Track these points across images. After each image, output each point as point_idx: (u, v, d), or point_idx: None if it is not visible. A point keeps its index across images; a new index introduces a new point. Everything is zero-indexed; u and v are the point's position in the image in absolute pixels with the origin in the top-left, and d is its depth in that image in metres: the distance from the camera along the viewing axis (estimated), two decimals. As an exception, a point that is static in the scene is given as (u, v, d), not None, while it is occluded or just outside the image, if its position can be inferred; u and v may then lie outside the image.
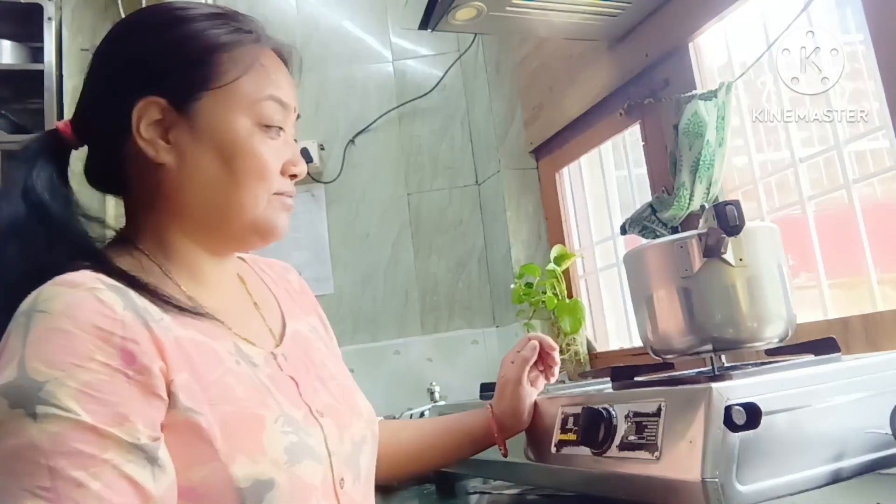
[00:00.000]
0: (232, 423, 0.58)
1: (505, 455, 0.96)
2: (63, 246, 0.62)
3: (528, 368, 0.98)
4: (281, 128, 0.71)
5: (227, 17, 0.71)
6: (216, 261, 0.72)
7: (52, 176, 0.66)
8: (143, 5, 2.19)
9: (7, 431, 0.49)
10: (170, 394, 0.56)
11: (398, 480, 1.27)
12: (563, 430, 0.90)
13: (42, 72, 2.09)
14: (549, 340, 1.02)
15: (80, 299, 0.54)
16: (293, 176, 0.73)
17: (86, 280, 0.56)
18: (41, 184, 0.64)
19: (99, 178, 0.71)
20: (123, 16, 2.31)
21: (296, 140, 0.76)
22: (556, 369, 1.02)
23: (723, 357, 0.95)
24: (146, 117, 0.66)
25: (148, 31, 0.69)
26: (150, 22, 0.70)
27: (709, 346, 0.93)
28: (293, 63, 0.75)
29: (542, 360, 1.01)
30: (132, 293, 0.58)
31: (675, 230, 1.46)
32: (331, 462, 0.65)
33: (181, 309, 0.62)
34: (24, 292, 0.56)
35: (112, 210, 1.68)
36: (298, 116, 0.75)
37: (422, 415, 1.84)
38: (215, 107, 0.67)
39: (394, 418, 1.91)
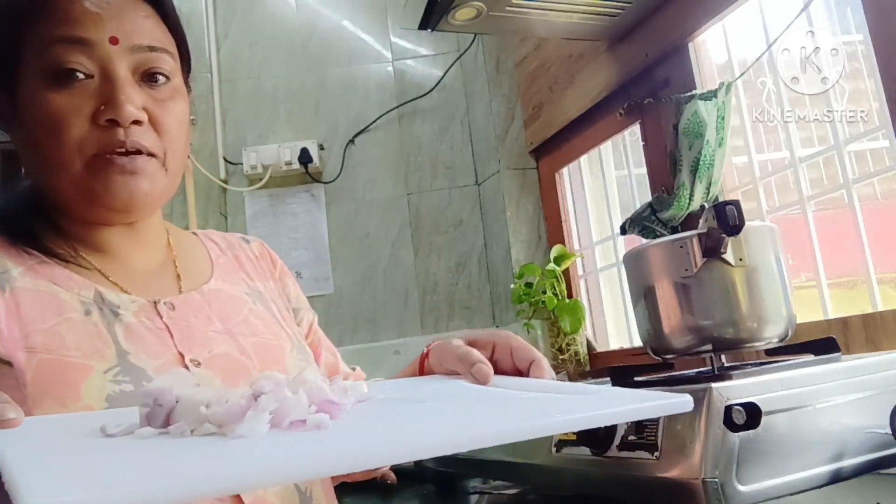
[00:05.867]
0: (46, 370, 0.56)
1: None
2: None
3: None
4: (83, 74, 0.61)
5: None
6: (114, 231, 0.69)
7: None
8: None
9: None
10: None
11: None
12: (563, 430, 0.90)
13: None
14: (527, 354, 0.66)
15: None
16: (113, 122, 0.60)
17: None
18: None
19: None
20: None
21: (161, 75, 0.64)
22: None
23: (723, 357, 0.95)
24: None
25: None
26: None
27: (709, 346, 0.93)
28: None
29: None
30: None
31: (675, 230, 1.46)
32: None
33: (47, 255, 0.63)
34: None
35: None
36: (157, 48, 0.64)
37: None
38: (24, 79, 0.62)
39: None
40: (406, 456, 0.41)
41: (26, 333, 0.58)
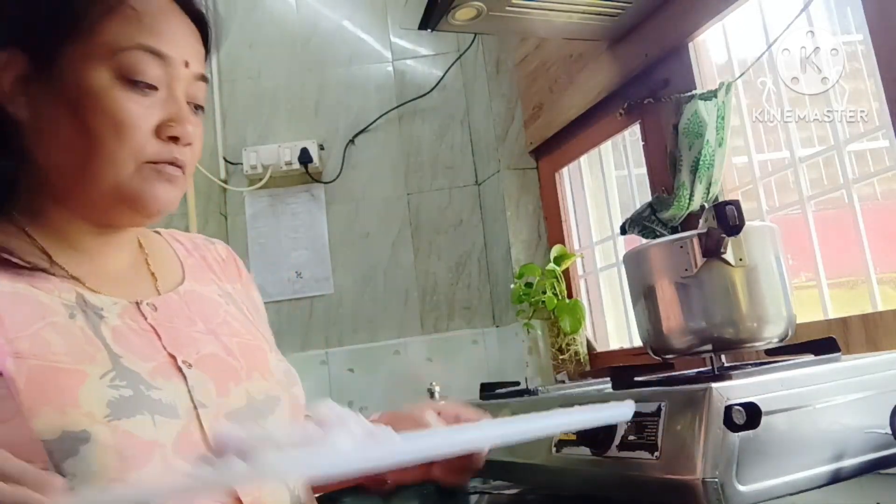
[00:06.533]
0: (38, 377, 0.54)
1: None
2: None
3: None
4: (154, 85, 0.63)
5: None
6: (97, 231, 0.68)
7: None
8: None
9: None
10: None
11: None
12: (563, 430, 0.90)
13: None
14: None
15: None
16: (174, 139, 0.64)
17: None
18: None
19: None
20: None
21: (199, 107, 0.68)
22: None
23: (723, 357, 0.95)
24: (8, 71, 0.62)
25: None
26: None
27: (709, 346, 0.93)
28: (207, 19, 0.69)
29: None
30: None
31: (675, 230, 1.46)
32: (197, 415, 0.61)
33: (8, 262, 0.60)
34: None
35: None
36: (206, 79, 0.68)
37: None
38: (75, 58, 0.61)
39: (394, 418, 1.91)
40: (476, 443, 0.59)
41: (11, 339, 0.55)
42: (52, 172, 0.64)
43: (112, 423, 0.55)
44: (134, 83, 0.62)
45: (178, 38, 0.65)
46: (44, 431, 0.52)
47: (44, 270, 0.62)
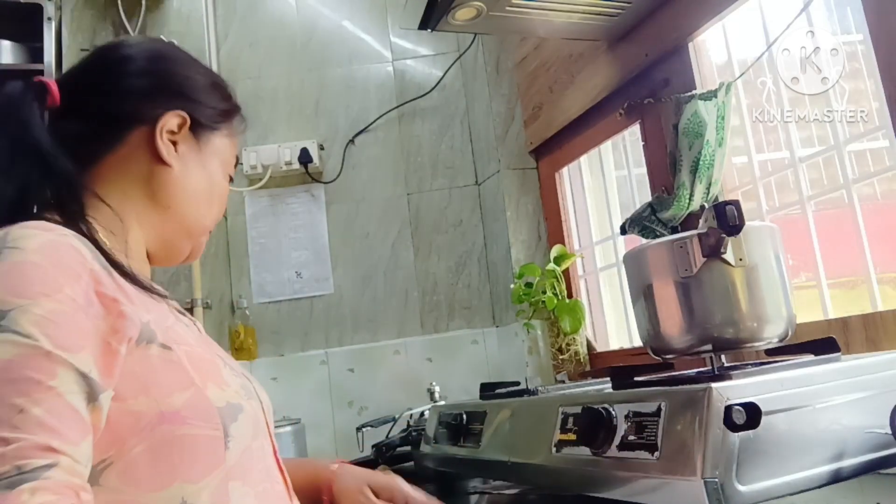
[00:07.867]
0: (195, 360, 0.66)
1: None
2: (51, 183, 0.69)
3: None
4: (231, 182, 0.89)
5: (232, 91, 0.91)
6: (145, 266, 0.80)
7: (39, 120, 0.71)
8: (143, 6, 2.20)
9: None
10: (144, 333, 0.62)
11: None
12: (563, 430, 0.90)
13: (42, 72, 2.08)
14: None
15: (54, 241, 0.59)
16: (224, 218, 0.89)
17: (55, 227, 0.61)
18: (37, 124, 0.70)
19: (64, 142, 0.72)
20: (124, 16, 2.30)
21: None
22: None
23: (723, 357, 0.95)
24: (167, 124, 0.76)
25: (197, 65, 0.86)
26: (197, 59, 0.87)
27: (709, 346, 0.93)
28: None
29: None
30: (92, 246, 0.63)
31: (675, 230, 1.46)
32: (262, 407, 0.75)
33: (125, 273, 0.66)
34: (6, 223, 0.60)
35: None
36: (231, 179, 0.91)
37: (422, 415, 1.84)
38: (216, 143, 0.84)
39: (394, 419, 1.91)
40: None
41: (164, 328, 0.65)
42: (173, 211, 0.78)
43: (248, 401, 0.69)
44: (226, 177, 0.86)
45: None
46: (215, 400, 0.64)
47: (142, 284, 0.69)
